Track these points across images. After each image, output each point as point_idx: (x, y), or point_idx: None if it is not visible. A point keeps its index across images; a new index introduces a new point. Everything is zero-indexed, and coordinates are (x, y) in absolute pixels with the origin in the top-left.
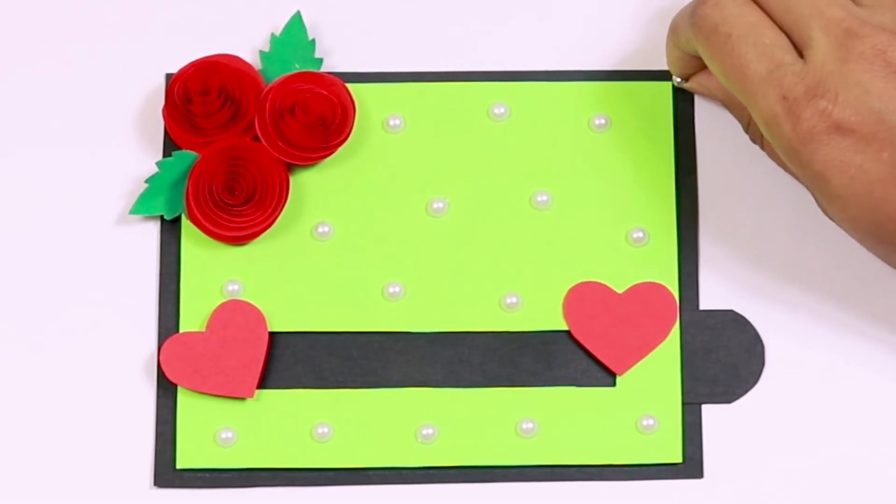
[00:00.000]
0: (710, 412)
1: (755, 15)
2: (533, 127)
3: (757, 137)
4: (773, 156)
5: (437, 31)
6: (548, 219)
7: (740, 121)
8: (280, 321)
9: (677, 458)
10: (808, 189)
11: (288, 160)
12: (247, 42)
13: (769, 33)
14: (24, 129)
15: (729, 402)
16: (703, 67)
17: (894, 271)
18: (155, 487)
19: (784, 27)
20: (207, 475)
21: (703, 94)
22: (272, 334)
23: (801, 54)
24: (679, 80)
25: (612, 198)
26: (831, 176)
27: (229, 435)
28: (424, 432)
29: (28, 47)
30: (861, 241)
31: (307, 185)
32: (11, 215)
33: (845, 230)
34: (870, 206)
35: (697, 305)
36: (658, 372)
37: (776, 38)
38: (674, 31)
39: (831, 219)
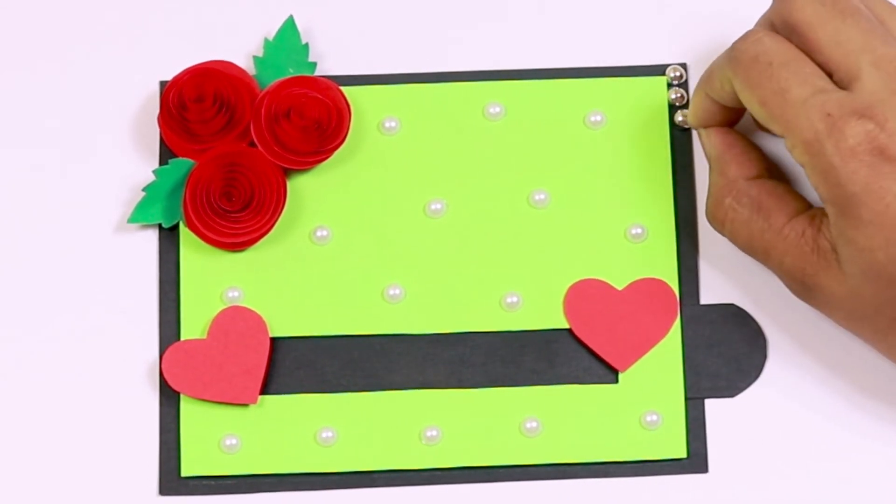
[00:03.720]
0: (713, 406)
1: (794, 50)
2: (529, 125)
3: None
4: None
5: (430, 32)
6: (546, 217)
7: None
8: (281, 326)
9: (681, 453)
10: (833, 216)
11: (284, 165)
12: (240, 47)
13: (809, 65)
14: (20, 137)
15: (732, 396)
16: (722, 120)
17: None
18: (160, 496)
19: (831, 61)
20: (213, 482)
21: (702, 146)
22: (273, 340)
23: (846, 89)
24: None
25: (609, 194)
26: (866, 199)
27: (233, 441)
28: (428, 434)
29: (22, 56)
30: (872, 277)
31: (304, 189)
32: (9, 226)
33: (856, 267)
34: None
35: (698, 300)
36: (660, 368)
37: (816, 70)
38: (707, 78)
39: (843, 252)
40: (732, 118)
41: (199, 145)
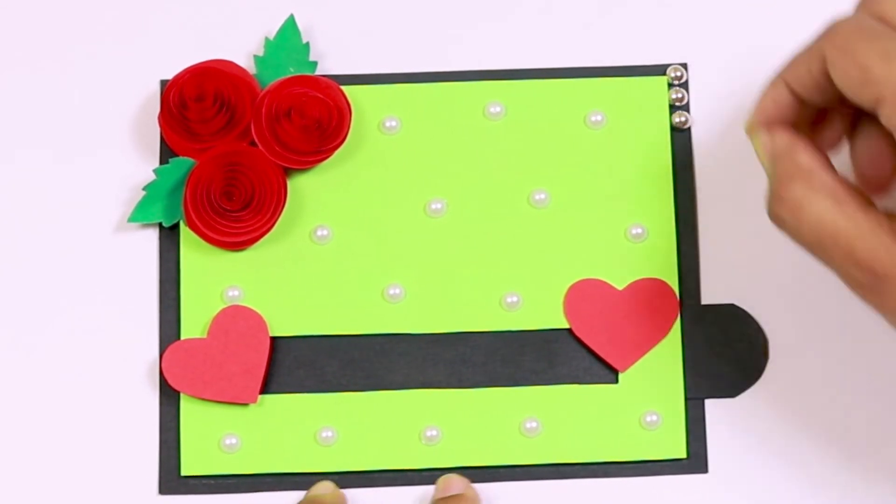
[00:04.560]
0: (713, 407)
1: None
2: (529, 125)
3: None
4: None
5: (430, 32)
6: (546, 217)
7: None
8: (281, 326)
9: (681, 453)
10: None
11: (285, 164)
12: (241, 47)
13: None
14: (20, 137)
15: (732, 396)
16: (791, 118)
17: None
18: (160, 495)
19: None
20: (212, 482)
21: (762, 145)
22: (273, 339)
23: None
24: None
25: (610, 194)
26: None
27: (233, 441)
28: (428, 434)
29: (22, 56)
30: None
31: (305, 188)
32: (9, 226)
33: None
34: None
35: (698, 300)
36: (660, 368)
37: None
38: (790, 64)
39: None
40: (802, 117)
41: (199, 144)
